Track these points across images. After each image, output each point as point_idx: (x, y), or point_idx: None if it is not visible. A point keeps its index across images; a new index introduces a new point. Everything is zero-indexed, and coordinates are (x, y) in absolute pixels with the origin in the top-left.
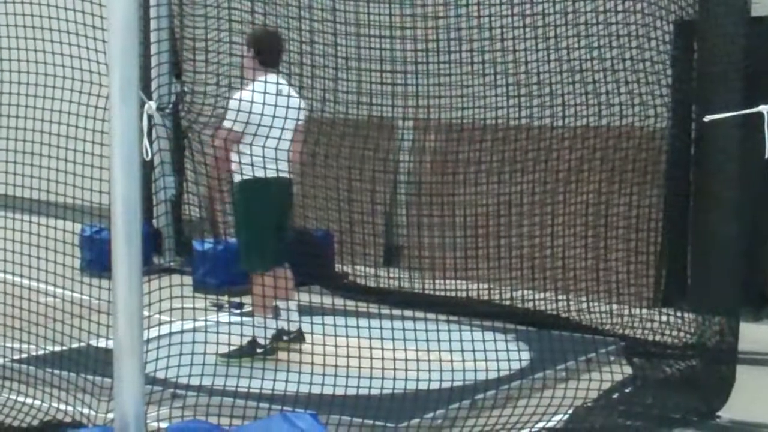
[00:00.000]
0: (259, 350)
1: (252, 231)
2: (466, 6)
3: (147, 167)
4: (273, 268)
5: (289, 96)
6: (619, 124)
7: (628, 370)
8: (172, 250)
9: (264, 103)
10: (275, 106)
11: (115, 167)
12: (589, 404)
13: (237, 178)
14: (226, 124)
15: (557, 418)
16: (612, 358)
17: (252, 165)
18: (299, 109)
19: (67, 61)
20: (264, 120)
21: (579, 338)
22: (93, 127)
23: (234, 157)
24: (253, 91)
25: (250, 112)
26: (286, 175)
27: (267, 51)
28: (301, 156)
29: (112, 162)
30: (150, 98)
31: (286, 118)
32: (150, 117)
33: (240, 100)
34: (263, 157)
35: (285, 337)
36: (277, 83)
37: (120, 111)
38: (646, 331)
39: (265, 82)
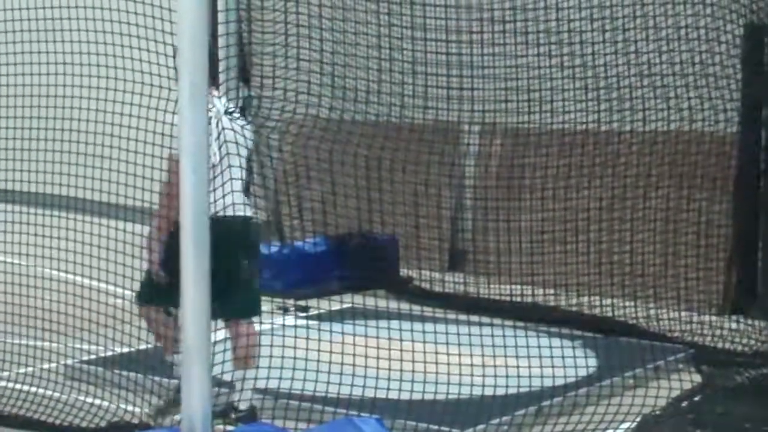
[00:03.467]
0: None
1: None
2: (533, 10)
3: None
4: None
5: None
6: (688, 129)
7: (698, 378)
8: None
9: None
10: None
11: (184, 172)
12: (657, 412)
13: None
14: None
15: (625, 426)
16: (681, 366)
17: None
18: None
19: (137, 65)
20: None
21: (647, 345)
22: (162, 131)
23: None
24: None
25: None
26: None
27: (211, 68)
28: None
29: (182, 166)
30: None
31: (237, 143)
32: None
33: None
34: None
35: (233, 415)
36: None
37: (189, 116)
38: (715, 339)
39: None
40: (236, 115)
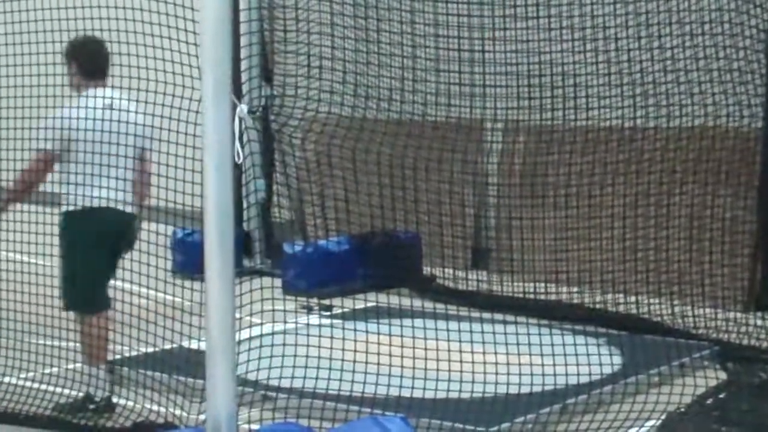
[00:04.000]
0: (91, 406)
1: (73, 267)
2: (557, 6)
3: (237, 170)
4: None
5: (129, 111)
6: (713, 125)
7: (723, 375)
8: (262, 253)
9: (84, 118)
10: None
11: (207, 170)
12: (682, 410)
13: (62, 207)
14: (38, 144)
15: (650, 423)
16: (706, 363)
17: (73, 193)
18: (143, 125)
19: (160, 65)
20: (81, 139)
21: (672, 342)
22: (185, 131)
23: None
24: (70, 107)
25: (67, 129)
26: (119, 206)
27: (88, 61)
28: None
29: (205, 165)
30: (241, 102)
31: (119, 133)
32: (241, 120)
33: (54, 117)
34: (82, 184)
35: (92, 405)
36: (107, 97)
37: (213, 114)
38: (740, 335)
39: (87, 96)
40: (116, 98)
